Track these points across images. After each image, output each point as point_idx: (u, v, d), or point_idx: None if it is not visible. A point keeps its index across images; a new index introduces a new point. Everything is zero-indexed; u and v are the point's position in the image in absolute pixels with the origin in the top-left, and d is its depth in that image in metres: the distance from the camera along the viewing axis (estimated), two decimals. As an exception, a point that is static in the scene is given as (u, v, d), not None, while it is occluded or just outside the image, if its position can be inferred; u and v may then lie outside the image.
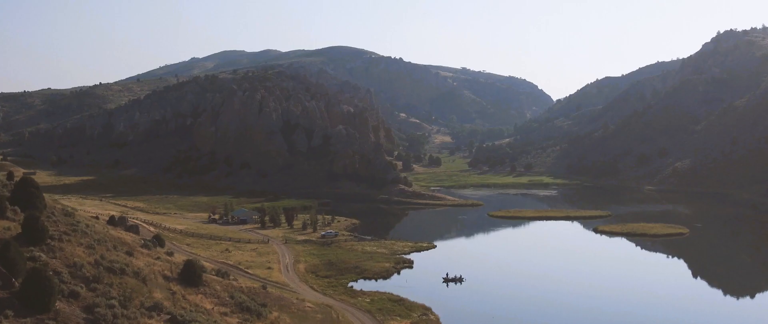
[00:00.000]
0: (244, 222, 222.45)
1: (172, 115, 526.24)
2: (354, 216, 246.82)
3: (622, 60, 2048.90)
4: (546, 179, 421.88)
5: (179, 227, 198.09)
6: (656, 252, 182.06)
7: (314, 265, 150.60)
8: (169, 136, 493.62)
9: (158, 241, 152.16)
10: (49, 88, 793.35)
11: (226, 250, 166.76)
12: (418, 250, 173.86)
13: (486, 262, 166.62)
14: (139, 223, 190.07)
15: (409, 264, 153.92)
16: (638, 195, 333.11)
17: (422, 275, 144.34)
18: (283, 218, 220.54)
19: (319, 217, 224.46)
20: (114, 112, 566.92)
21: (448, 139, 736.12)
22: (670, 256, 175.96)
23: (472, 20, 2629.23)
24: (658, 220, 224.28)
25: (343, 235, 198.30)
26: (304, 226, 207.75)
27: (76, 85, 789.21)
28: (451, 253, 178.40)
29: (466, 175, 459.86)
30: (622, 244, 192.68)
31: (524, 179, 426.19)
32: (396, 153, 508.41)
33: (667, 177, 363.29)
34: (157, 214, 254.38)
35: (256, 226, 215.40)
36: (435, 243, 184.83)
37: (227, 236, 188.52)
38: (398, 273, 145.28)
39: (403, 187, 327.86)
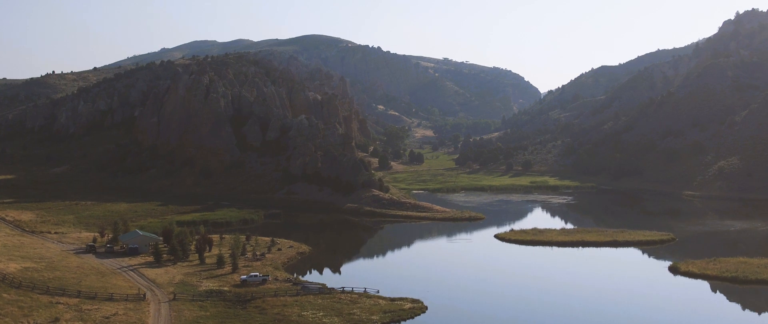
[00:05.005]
0: (134, 252, 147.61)
1: (118, 104, 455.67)
2: (307, 237, 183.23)
3: (612, 51, 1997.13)
4: (551, 180, 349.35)
5: (12, 268, 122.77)
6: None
7: (196, 364, 78.14)
8: (113, 129, 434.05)
9: None
10: (5, 79, 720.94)
11: (55, 321, 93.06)
12: (398, 319, 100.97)
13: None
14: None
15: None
16: (679, 203, 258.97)
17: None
18: (193, 247, 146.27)
19: (254, 239, 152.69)
20: (58, 102, 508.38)
21: (430, 132, 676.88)
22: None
23: (454, 10, 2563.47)
24: (752, 250, 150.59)
25: (276, 280, 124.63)
26: (220, 262, 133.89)
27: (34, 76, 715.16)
28: None
29: (453, 174, 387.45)
30: (739, 306, 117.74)
31: (524, 180, 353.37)
32: (372, 148, 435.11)
33: (710, 180, 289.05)
34: (34, 233, 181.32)
35: (148, 259, 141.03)
36: (424, 302, 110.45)
37: (79, 287, 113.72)
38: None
39: (377, 192, 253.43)
